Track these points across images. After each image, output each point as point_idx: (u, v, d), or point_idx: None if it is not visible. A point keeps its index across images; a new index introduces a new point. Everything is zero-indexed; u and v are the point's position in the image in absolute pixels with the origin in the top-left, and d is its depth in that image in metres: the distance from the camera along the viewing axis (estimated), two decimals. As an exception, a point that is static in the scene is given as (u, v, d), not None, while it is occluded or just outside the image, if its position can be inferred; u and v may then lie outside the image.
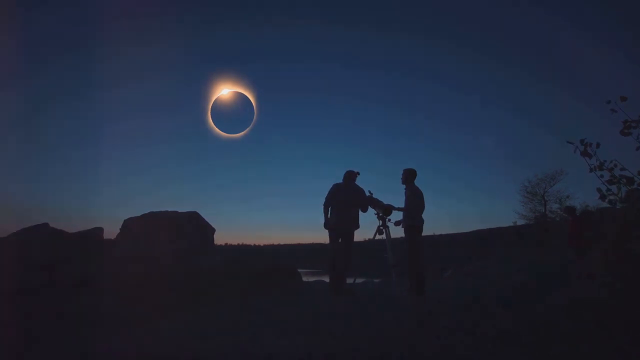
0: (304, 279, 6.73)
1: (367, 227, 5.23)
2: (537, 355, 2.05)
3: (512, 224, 24.25)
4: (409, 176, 5.00)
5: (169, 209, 6.46)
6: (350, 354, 2.42)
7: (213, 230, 6.63)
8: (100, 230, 6.37)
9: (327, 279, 6.02)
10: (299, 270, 6.75)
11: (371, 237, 5.17)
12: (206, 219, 6.70)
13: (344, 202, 4.89)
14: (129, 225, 6.18)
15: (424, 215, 4.96)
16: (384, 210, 5.02)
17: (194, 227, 6.30)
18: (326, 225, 4.97)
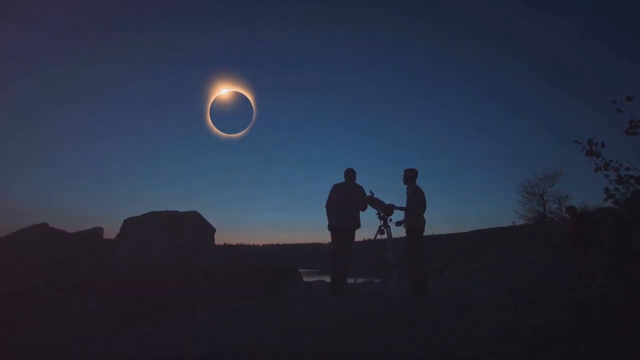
0: (305, 279, 6.73)
1: (368, 227, 5.23)
2: (540, 355, 2.05)
3: (511, 224, 24.30)
4: (410, 176, 5.01)
5: (170, 209, 6.47)
6: (351, 353, 2.42)
7: (213, 230, 6.63)
8: (100, 230, 6.36)
9: (327, 279, 6.02)
10: (299, 270, 6.75)
11: (372, 237, 5.17)
12: (206, 219, 6.71)
13: (343, 201, 4.90)
14: (129, 225, 6.17)
15: (425, 215, 4.97)
16: (385, 210, 5.03)
17: (194, 227, 6.30)
18: (329, 226, 4.97)
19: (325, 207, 5.00)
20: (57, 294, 4.76)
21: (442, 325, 2.99)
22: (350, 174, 5.09)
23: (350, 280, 5.23)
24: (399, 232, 5.08)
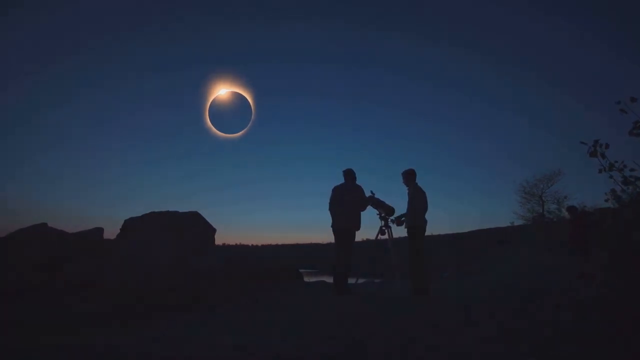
0: (305, 279, 6.72)
1: (369, 228, 5.25)
2: (543, 355, 2.05)
3: (510, 224, 24.36)
4: (409, 177, 5.04)
5: (170, 209, 6.45)
6: (353, 354, 2.42)
7: (214, 231, 6.62)
8: (100, 230, 6.34)
9: (327, 279, 6.03)
10: (300, 270, 6.74)
11: (373, 237, 5.18)
12: (207, 219, 6.69)
13: (343, 202, 4.95)
14: (129, 225, 6.15)
15: (425, 216, 4.97)
16: (386, 211, 5.04)
17: (195, 227, 6.28)
18: (332, 227, 5.04)
19: (329, 209, 5.06)
20: (56, 294, 4.75)
21: (443, 326, 2.99)
22: (349, 174, 5.12)
23: (351, 281, 5.24)
24: (400, 232, 5.09)
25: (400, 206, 5.04)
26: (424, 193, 4.93)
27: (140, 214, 6.36)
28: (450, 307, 3.95)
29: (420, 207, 4.83)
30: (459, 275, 10.39)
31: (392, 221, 5.07)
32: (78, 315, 4.18)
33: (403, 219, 4.94)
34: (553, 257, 9.60)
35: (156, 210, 6.41)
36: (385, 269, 5.18)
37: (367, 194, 5.12)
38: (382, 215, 5.08)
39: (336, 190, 5.05)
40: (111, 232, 6.57)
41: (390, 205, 5.08)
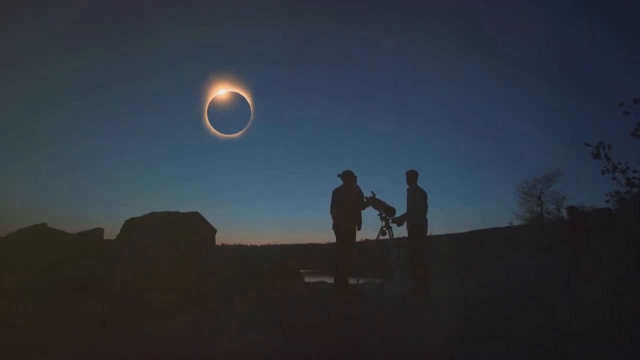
0: (305, 279, 6.73)
1: (370, 228, 5.27)
2: (548, 355, 2.06)
3: (509, 224, 24.41)
4: (409, 177, 5.08)
5: (170, 209, 6.44)
6: (354, 354, 2.42)
7: (214, 231, 6.62)
8: (100, 230, 6.33)
9: (327, 279, 6.04)
10: (300, 270, 6.75)
11: (374, 237, 5.19)
12: (207, 219, 6.69)
13: (342, 202, 5.02)
14: (129, 225, 6.15)
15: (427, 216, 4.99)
16: (387, 211, 5.05)
17: (195, 227, 6.28)
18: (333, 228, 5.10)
19: (329, 211, 5.13)
20: (57, 295, 4.73)
21: (445, 326, 2.99)
22: (346, 176, 5.17)
23: (352, 281, 5.24)
24: (401, 232, 5.11)
25: (402, 207, 5.07)
26: (423, 193, 4.95)
27: (140, 214, 6.36)
28: (450, 307, 3.95)
29: (418, 207, 4.84)
30: (459, 275, 10.40)
31: (393, 221, 5.08)
32: (78, 317, 4.17)
33: (402, 219, 4.96)
34: (552, 257, 9.62)
35: (157, 210, 6.40)
36: (386, 269, 5.19)
37: (368, 194, 5.15)
38: (383, 215, 5.09)
39: (335, 192, 5.18)
40: (111, 232, 6.55)
41: (390, 205, 5.09)
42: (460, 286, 6.58)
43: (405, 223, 4.99)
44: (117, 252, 5.74)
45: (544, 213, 20.84)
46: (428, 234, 5.18)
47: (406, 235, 4.97)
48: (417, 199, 4.91)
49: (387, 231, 5.08)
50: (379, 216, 5.12)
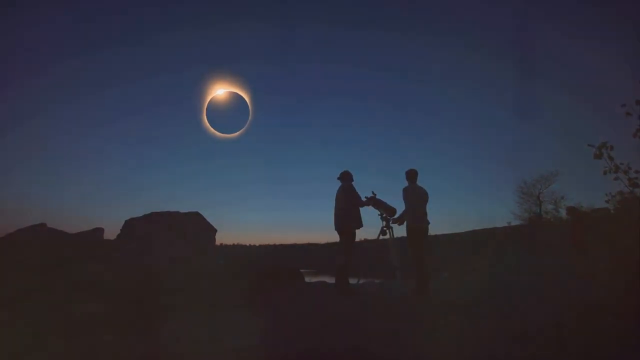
0: (306, 279, 6.72)
1: (370, 228, 5.27)
2: (550, 355, 2.06)
3: (507, 224, 24.41)
4: (409, 177, 5.07)
5: (171, 209, 6.44)
6: (355, 354, 2.42)
7: (215, 231, 6.61)
8: (101, 230, 6.32)
9: (328, 279, 6.04)
10: (300, 270, 6.74)
11: (374, 237, 5.20)
12: (207, 219, 6.69)
13: (342, 204, 5.04)
14: (130, 225, 6.14)
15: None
16: (387, 211, 5.06)
17: (196, 227, 6.28)
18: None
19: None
20: (57, 295, 4.72)
21: (446, 326, 3.00)
22: (343, 178, 5.18)
23: (353, 281, 5.25)
24: (401, 232, 5.11)
25: (401, 207, 5.07)
26: (418, 193, 4.92)
27: (141, 215, 6.35)
28: (451, 306, 3.95)
29: (411, 208, 4.84)
30: (458, 275, 10.41)
31: (393, 221, 5.09)
32: (79, 317, 4.16)
33: (402, 218, 4.97)
34: (551, 257, 9.63)
35: (157, 210, 6.40)
36: (386, 269, 5.19)
37: (369, 194, 5.15)
38: (384, 215, 5.10)
39: (336, 194, 5.20)
40: (112, 232, 6.55)
41: (391, 205, 5.10)
42: (460, 286, 6.58)
43: (405, 223, 4.99)
44: (117, 252, 5.73)
45: (543, 213, 20.87)
46: (428, 234, 5.17)
47: (406, 235, 4.97)
48: (409, 200, 4.91)
49: (387, 231, 5.09)
50: (380, 216, 5.13)
